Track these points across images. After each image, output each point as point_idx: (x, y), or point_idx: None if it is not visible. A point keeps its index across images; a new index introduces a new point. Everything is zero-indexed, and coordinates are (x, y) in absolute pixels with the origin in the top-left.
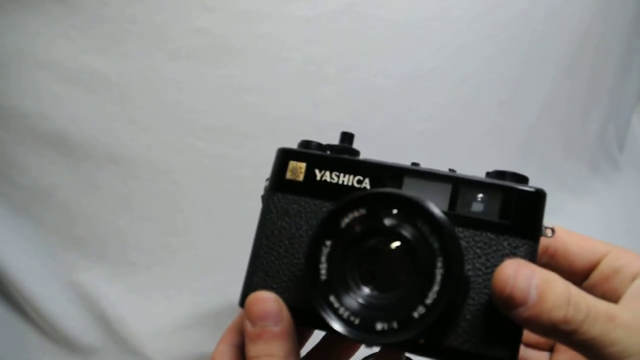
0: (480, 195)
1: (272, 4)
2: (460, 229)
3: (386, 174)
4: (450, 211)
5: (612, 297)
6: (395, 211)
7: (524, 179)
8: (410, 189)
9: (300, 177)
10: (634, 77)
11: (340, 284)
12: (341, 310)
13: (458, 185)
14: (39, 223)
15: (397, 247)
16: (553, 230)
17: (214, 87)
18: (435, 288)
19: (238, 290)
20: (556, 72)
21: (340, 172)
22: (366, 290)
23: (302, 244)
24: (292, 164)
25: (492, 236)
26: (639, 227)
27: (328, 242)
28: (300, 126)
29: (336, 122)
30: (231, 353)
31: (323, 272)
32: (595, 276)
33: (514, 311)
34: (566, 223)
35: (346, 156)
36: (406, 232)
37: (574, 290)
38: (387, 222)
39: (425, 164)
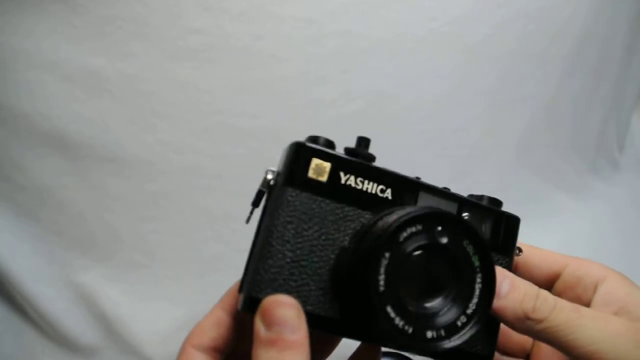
0: (478, 215)
1: (272, 4)
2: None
3: (405, 186)
4: None
5: (577, 304)
6: (446, 230)
7: (499, 203)
8: (425, 202)
9: (324, 178)
10: (634, 77)
11: (395, 295)
12: (397, 320)
13: (462, 206)
14: (39, 223)
15: (446, 262)
16: (520, 250)
17: (214, 87)
18: (475, 300)
19: None
20: (556, 72)
21: (365, 178)
22: (418, 300)
23: (322, 247)
24: (316, 162)
25: None
26: (639, 227)
27: (387, 254)
28: (300, 126)
29: (336, 122)
30: (199, 356)
31: (382, 283)
32: (559, 286)
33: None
34: (566, 223)
35: (367, 162)
36: (454, 250)
37: (543, 290)
38: (439, 239)
39: (425, 164)
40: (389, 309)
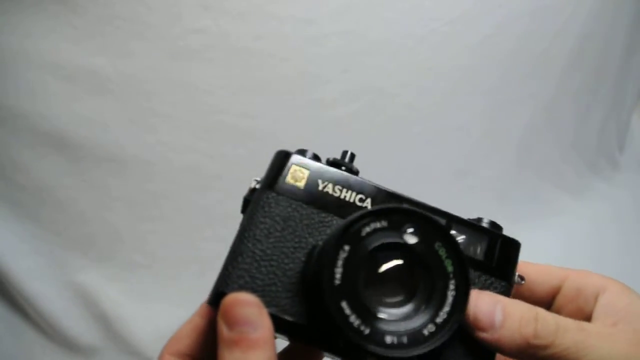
0: (469, 235)
1: (272, 4)
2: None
3: (388, 198)
4: None
5: (579, 316)
6: (415, 229)
7: (498, 227)
8: None
9: (302, 184)
10: (634, 77)
11: (353, 292)
12: (352, 318)
13: (451, 223)
14: (39, 223)
15: (413, 264)
16: (523, 278)
17: (214, 87)
18: (446, 309)
19: None
20: (557, 72)
21: (343, 186)
22: (378, 302)
23: (293, 249)
24: (295, 168)
25: (477, 273)
26: (639, 227)
27: (347, 247)
28: (300, 126)
29: (336, 122)
30: None
31: (338, 276)
32: (560, 300)
33: (484, 334)
34: (566, 223)
35: (348, 173)
36: (424, 251)
37: (539, 310)
38: (407, 238)
39: (425, 164)
40: (344, 304)
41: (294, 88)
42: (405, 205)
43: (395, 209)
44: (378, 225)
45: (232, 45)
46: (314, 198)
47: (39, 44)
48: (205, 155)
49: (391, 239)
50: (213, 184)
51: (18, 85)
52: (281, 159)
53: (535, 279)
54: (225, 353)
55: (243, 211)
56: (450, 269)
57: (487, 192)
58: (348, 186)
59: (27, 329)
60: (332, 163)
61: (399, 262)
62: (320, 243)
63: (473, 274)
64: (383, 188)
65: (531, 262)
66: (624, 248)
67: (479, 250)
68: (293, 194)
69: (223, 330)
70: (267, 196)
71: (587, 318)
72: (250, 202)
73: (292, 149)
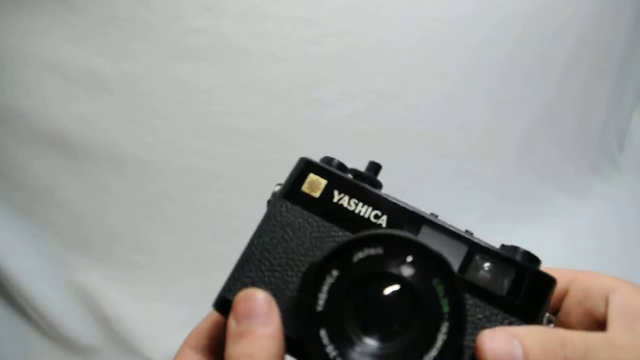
0: (493, 265)
1: (272, 4)
2: (466, 295)
3: (406, 217)
4: (460, 274)
5: (589, 319)
6: (414, 260)
7: (535, 259)
8: (425, 239)
9: (317, 194)
10: (634, 77)
11: (335, 321)
12: (329, 349)
13: (474, 250)
14: (39, 223)
15: (405, 298)
16: (552, 320)
17: (214, 87)
18: (433, 353)
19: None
20: (556, 72)
21: (360, 200)
22: (361, 335)
23: (299, 262)
24: (312, 177)
25: (495, 311)
26: (639, 227)
27: (335, 273)
28: (300, 126)
29: (336, 122)
30: (194, 356)
31: (321, 302)
32: (568, 303)
33: None
34: (566, 223)
35: (369, 187)
36: (419, 286)
37: (562, 332)
38: (403, 269)
39: (425, 164)
40: (322, 332)
41: (294, 88)
42: (404, 234)
43: (390, 236)
44: (372, 252)
45: (232, 45)
46: (328, 210)
47: (38, 44)
48: (205, 155)
49: (386, 268)
50: (213, 184)
51: (17, 85)
52: (301, 166)
53: None
54: (231, 346)
55: None
56: (446, 309)
57: (487, 192)
58: (365, 200)
59: (27, 329)
60: (354, 173)
61: (390, 294)
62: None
63: (492, 310)
64: (402, 205)
65: None
66: (624, 248)
67: (504, 284)
68: (307, 204)
69: (232, 324)
70: (280, 204)
71: (597, 321)
72: (266, 209)
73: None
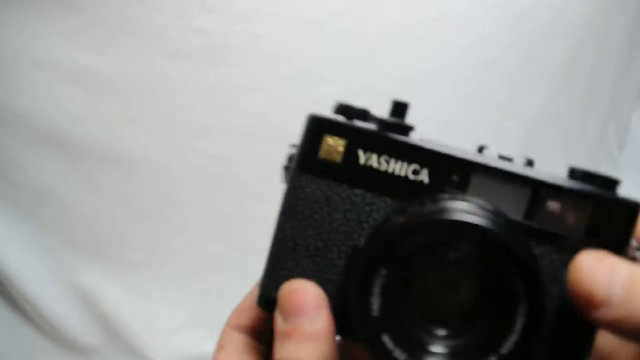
0: (564, 204)
1: (272, 4)
2: (535, 244)
3: (451, 167)
4: (527, 221)
5: None
6: (472, 243)
7: (613, 183)
8: (477, 191)
9: (338, 158)
10: (634, 77)
11: (396, 323)
12: (396, 353)
13: (539, 191)
14: (39, 223)
15: (470, 285)
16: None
17: (214, 87)
18: (514, 337)
19: (239, 291)
20: (556, 72)
21: (391, 156)
22: (428, 332)
23: (338, 242)
24: (328, 139)
25: (573, 256)
26: None
27: (383, 272)
28: (300, 126)
29: None
30: (239, 337)
31: (375, 307)
32: None
33: (597, 313)
34: None
35: (400, 136)
36: (485, 269)
37: None
38: (461, 255)
39: None
40: (385, 338)
41: (294, 88)
42: (458, 218)
43: (441, 221)
44: (421, 240)
45: (232, 45)
46: (355, 176)
47: (38, 43)
48: (205, 155)
49: (440, 255)
50: (213, 184)
51: (16, 84)
52: (311, 128)
53: None
54: (279, 347)
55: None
56: (520, 289)
57: None
58: (397, 155)
59: (27, 329)
60: (378, 122)
61: (452, 284)
62: (362, 242)
63: (570, 256)
64: (443, 152)
65: None
66: None
67: (581, 222)
68: (330, 173)
69: (279, 321)
70: (299, 179)
71: None
72: (285, 187)
73: (329, 117)
